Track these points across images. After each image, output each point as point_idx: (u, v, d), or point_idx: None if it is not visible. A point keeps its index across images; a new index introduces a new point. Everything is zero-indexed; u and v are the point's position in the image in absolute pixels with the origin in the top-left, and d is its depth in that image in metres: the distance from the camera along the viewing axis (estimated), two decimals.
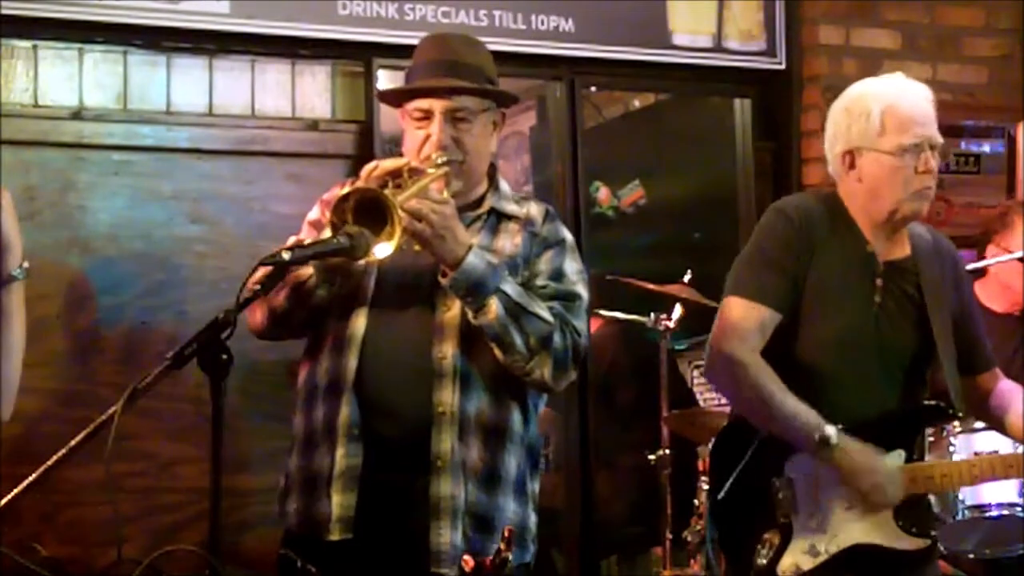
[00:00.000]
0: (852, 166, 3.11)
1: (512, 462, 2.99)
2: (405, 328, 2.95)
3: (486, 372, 2.94)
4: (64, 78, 4.24)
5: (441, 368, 2.91)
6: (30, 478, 2.28)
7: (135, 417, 2.34)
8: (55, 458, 2.26)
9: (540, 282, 3.00)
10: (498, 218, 3.07)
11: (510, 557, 2.46)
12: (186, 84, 4.38)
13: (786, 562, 3.01)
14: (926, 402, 3.12)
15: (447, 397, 2.91)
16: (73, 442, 2.25)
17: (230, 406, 2.25)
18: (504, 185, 3.15)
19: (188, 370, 2.29)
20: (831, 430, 2.94)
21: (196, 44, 4.39)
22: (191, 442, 4.16)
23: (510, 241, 3.03)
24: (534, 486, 3.08)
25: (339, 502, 2.91)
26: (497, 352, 2.90)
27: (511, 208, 3.08)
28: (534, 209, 3.09)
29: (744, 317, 3.02)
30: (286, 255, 2.46)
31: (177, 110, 4.37)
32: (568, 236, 3.09)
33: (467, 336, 2.92)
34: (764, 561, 3.00)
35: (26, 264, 2.59)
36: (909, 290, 3.12)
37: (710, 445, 3.13)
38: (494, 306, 2.85)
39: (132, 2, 4.23)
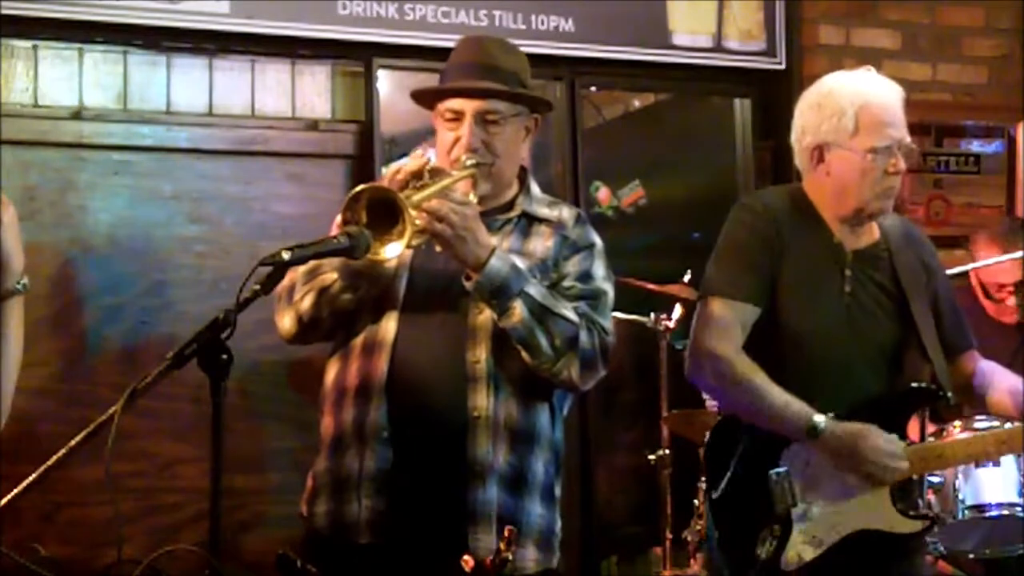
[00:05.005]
0: (821, 160, 3.12)
1: (539, 466, 2.97)
2: (437, 331, 2.93)
3: (515, 375, 2.92)
4: (64, 78, 4.25)
5: (475, 372, 2.90)
6: (30, 478, 2.27)
7: (135, 417, 2.34)
8: (55, 458, 2.25)
9: (567, 283, 2.99)
10: (529, 221, 3.05)
11: (510, 557, 2.45)
12: (186, 84, 4.39)
13: (789, 554, 3.00)
14: (914, 385, 3.12)
15: (482, 401, 2.89)
16: (73, 442, 2.25)
17: (230, 406, 2.24)
18: (536, 188, 3.14)
19: (188, 370, 2.29)
20: (819, 418, 2.96)
21: (196, 44, 4.39)
22: (191, 442, 4.16)
23: (541, 244, 3.02)
24: (559, 489, 3.06)
25: (369, 506, 2.89)
26: (524, 355, 2.88)
27: (543, 211, 3.07)
28: (566, 213, 3.08)
29: (723, 315, 3.04)
30: (286, 255, 2.44)
31: (177, 110, 4.38)
32: (598, 241, 3.08)
33: (498, 339, 2.90)
34: (766, 555, 2.99)
35: (26, 280, 2.56)
36: (879, 277, 3.13)
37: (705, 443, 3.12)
38: (519, 309, 2.84)
39: (132, 2, 4.24)
